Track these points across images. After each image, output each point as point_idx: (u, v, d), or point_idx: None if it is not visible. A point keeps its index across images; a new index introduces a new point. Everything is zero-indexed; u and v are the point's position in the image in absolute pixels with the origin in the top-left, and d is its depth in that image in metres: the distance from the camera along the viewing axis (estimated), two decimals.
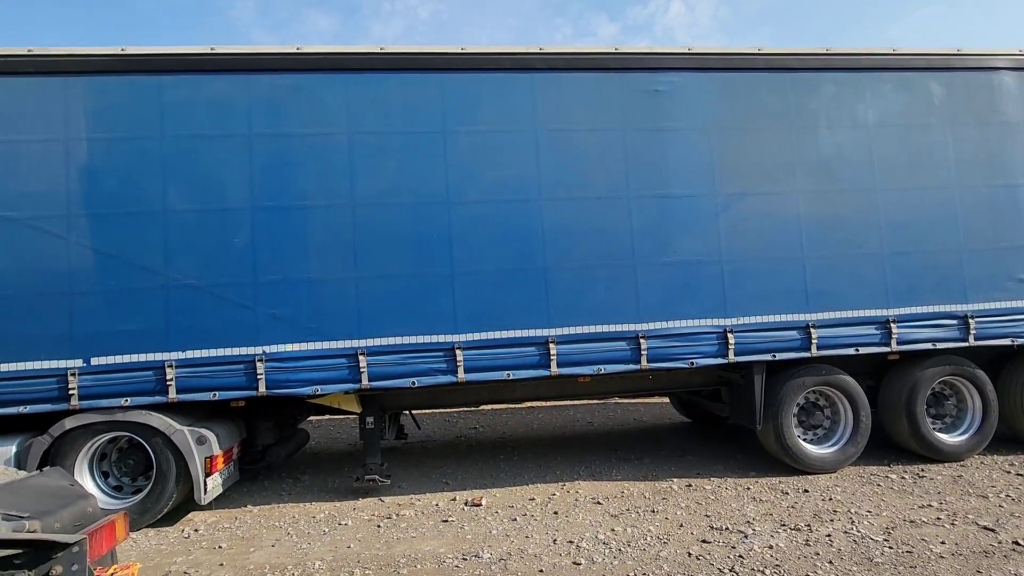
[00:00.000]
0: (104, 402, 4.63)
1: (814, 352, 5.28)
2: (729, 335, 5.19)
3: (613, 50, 5.34)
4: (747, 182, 5.36)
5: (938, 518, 4.31)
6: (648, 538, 4.14)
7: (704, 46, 5.47)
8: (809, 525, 4.24)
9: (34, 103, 4.72)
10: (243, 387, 4.79)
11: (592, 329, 5.09)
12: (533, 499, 5.04)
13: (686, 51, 5.38)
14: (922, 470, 5.37)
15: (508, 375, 5.03)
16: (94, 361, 4.63)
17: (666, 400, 8.63)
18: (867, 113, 5.57)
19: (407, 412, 6.30)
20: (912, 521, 4.28)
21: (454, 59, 5.16)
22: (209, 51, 4.92)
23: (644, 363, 5.12)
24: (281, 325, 4.81)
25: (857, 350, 5.36)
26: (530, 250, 5.08)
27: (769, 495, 4.92)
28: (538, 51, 5.26)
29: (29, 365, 4.55)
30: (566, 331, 5.07)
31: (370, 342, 4.89)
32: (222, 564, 4.01)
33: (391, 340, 4.90)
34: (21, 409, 4.53)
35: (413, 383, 4.92)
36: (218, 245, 4.82)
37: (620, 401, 9.36)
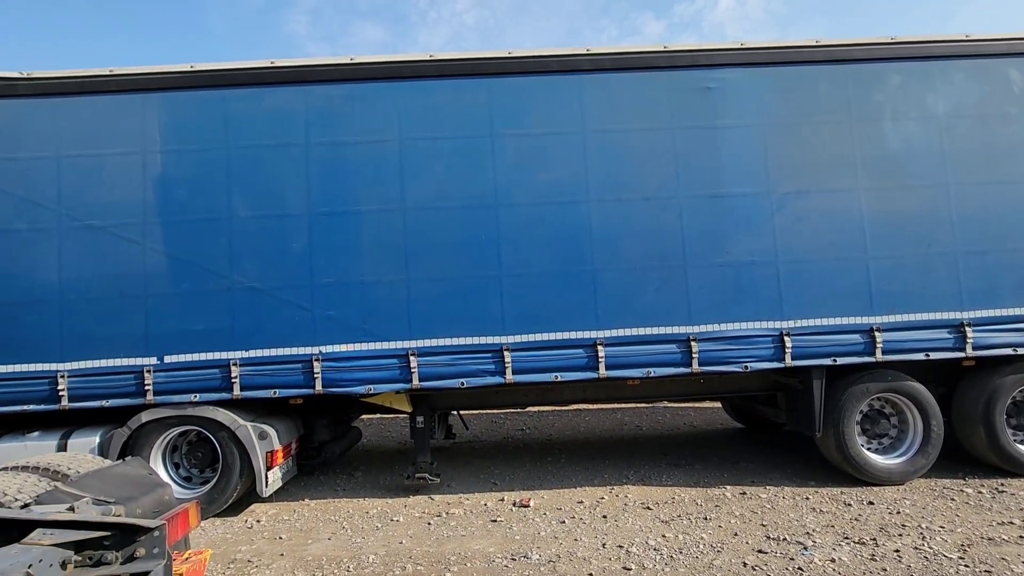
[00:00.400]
0: (176, 398, 4.94)
1: (879, 357, 5.02)
2: (786, 338, 5.01)
3: (662, 48, 5.26)
4: (804, 180, 5.16)
5: (1021, 536, 4.01)
6: (701, 546, 4.04)
7: (757, 40, 5.31)
8: (875, 539, 4.03)
9: (115, 119, 5.09)
10: (301, 385, 4.99)
11: (641, 331, 5.03)
12: (581, 502, 5.02)
13: (738, 46, 5.24)
14: (1001, 484, 5.00)
15: (556, 377, 5.03)
16: (167, 359, 4.94)
17: (718, 405, 8.39)
18: (937, 104, 5.26)
19: (455, 412, 6.40)
20: (990, 539, 3.99)
21: (502, 63, 5.22)
22: (270, 65, 5.17)
23: (695, 366, 5.01)
24: (336, 326, 4.99)
25: (927, 355, 5.05)
26: (578, 252, 5.07)
27: (830, 506, 4.71)
28: (585, 52, 5.24)
29: (111, 362, 4.91)
30: (615, 333, 5.02)
31: (420, 343, 5.00)
32: (282, 554, 4.20)
33: (441, 341, 5.00)
34: (104, 403, 4.89)
35: (462, 384, 4.99)
36: (278, 249, 5.06)
37: (670, 405, 9.17)
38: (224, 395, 4.96)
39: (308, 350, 4.99)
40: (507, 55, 5.22)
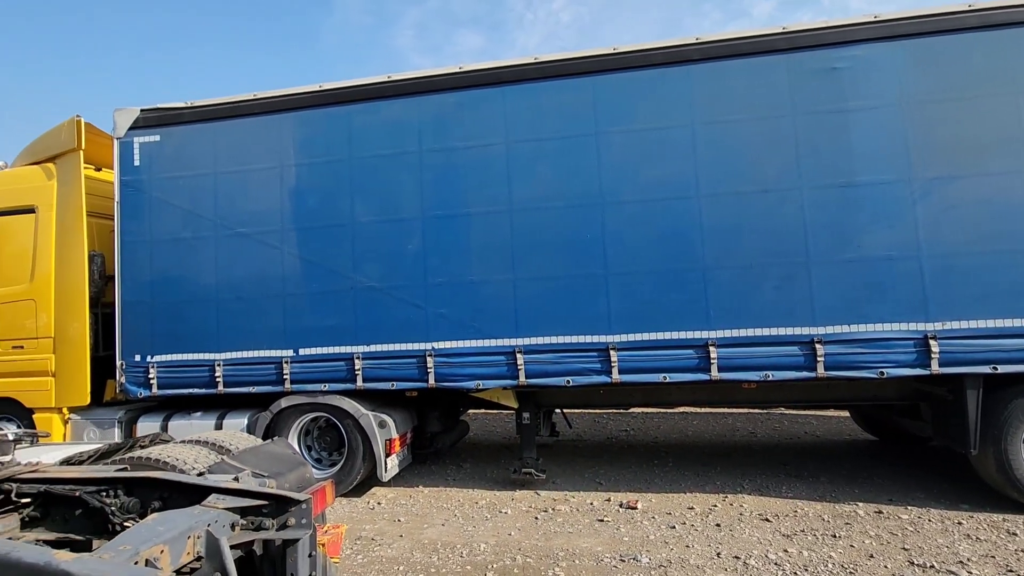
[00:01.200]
0: (309, 387, 5.47)
1: None
2: (931, 342, 4.46)
3: (780, 30, 4.91)
4: (955, 163, 4.55)
5: None
6: (829, 565, 3.73)
7: (895, 11, 4.77)
8: None
9: (259, 138, 5.73)
10: (416, 379, 5.31)
11: (758, 332, 4.74)
12: (692, 508, 4.84)
13: (872, 19, 4.75)
14: None
15: (664, 378, 4.89)
16: (301, 351, 5.49)
17: (845, 414, 7.67)
18: None
19: (558, 411, 6.45)
20: None
21: (606, 60, 5.16)
22: (387, 79, 5.54)
23: (821, 370, 4.62)
24: (447, 323, 5.24)
25: None
26: (688, 249, 4.89)
27: (989, 533, 4.13)
28: (694, 41, 5.04)
29: (257, 353, 5.55)
30: (728, 334, 4.78)
31: (527, 341, 5.10)
32: (401, 536, 4.50)
33: (547, 339, 5.06)
34: (251, 389, 5.55)
35: (568, 382, 5.02)
36: (395, 251, 5.41)
37: (787, 412, 8.53)
38: (349, 385, 5.40)
39: (422, 346, 5.29)
40: (612, 51, 5.16)
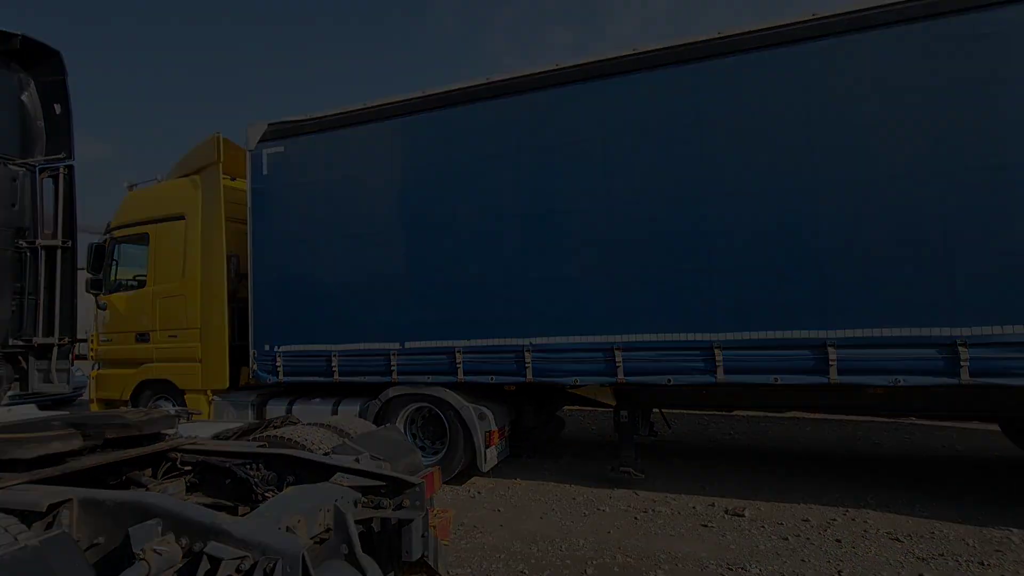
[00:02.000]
0: (414, 378, 5.78)
1: None
2: None
3: None
4: None
5: None
6: None
7: None
8: None
9: (366, 144, 6.11)
10: (514, 373, 5.41)
11: (887, 332, 4.30)
12: (807, 520, 4.51)
13: None
14: None
15: (775, 379, 4.59)
16: (407, 345, 5.80)
17: (993, 427, 6.73)
18: None
19: (656, 410, 6.27)
20: None
21: (711, 46, 4.91)
22: (486, 81, 5.67)
23: (965, 376, 4.10)
24: (545, 319, 5.29)
25: None
26: (802, 242, 4.54)
27: None
28: (811, 17, 4.65)
29: (367, 345, 5.95)
30: (850, 334, 4.38)
31: (625, 338, 5.02)
32: (501, 526, 4.62)
33: (647, 336, 4.94)
34: (363, 379, 5.96)
35: (669, 380, 4.88)
36: (493, 249, 5.54)
37: (919, 421, 7.65)
38: (450, 378, 5.63)
39: (520, 341, 5.38)
40: (717, 35, 4.90)
